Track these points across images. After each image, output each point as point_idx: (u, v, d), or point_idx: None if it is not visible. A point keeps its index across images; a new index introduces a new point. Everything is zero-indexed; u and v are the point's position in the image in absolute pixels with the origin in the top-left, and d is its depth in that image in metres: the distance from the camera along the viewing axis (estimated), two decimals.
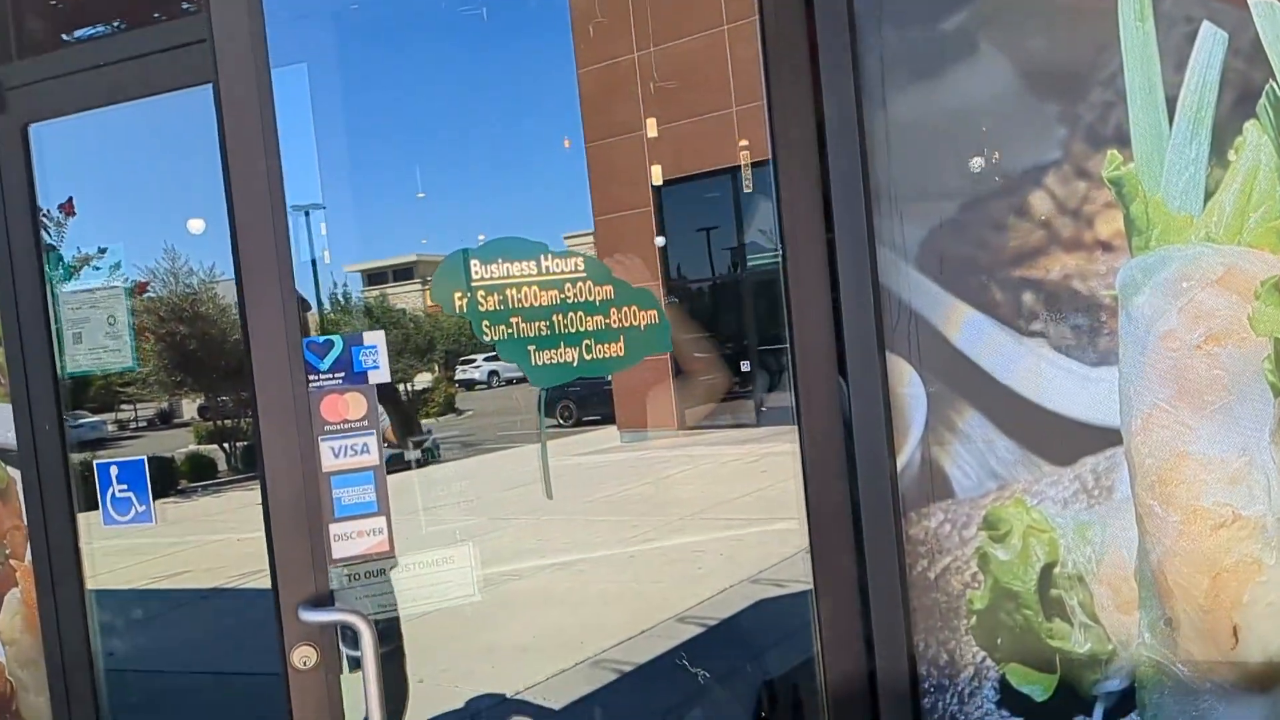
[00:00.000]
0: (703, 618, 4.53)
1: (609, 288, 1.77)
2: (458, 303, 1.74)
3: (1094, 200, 1.45)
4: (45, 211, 2.11)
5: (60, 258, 2.12)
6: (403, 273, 12.26)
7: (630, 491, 7.85)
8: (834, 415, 1.58)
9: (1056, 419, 1.48)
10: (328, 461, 1.67)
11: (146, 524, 2.01)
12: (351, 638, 1.57)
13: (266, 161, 1.67)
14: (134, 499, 2.01)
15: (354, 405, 1.68)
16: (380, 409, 2.59)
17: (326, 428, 1.67)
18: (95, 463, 2.04)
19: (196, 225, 1.85)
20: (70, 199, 2.17)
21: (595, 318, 1.76)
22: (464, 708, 3.62)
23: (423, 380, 10.62)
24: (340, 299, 8.92)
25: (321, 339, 1.70)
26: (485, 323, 1.74)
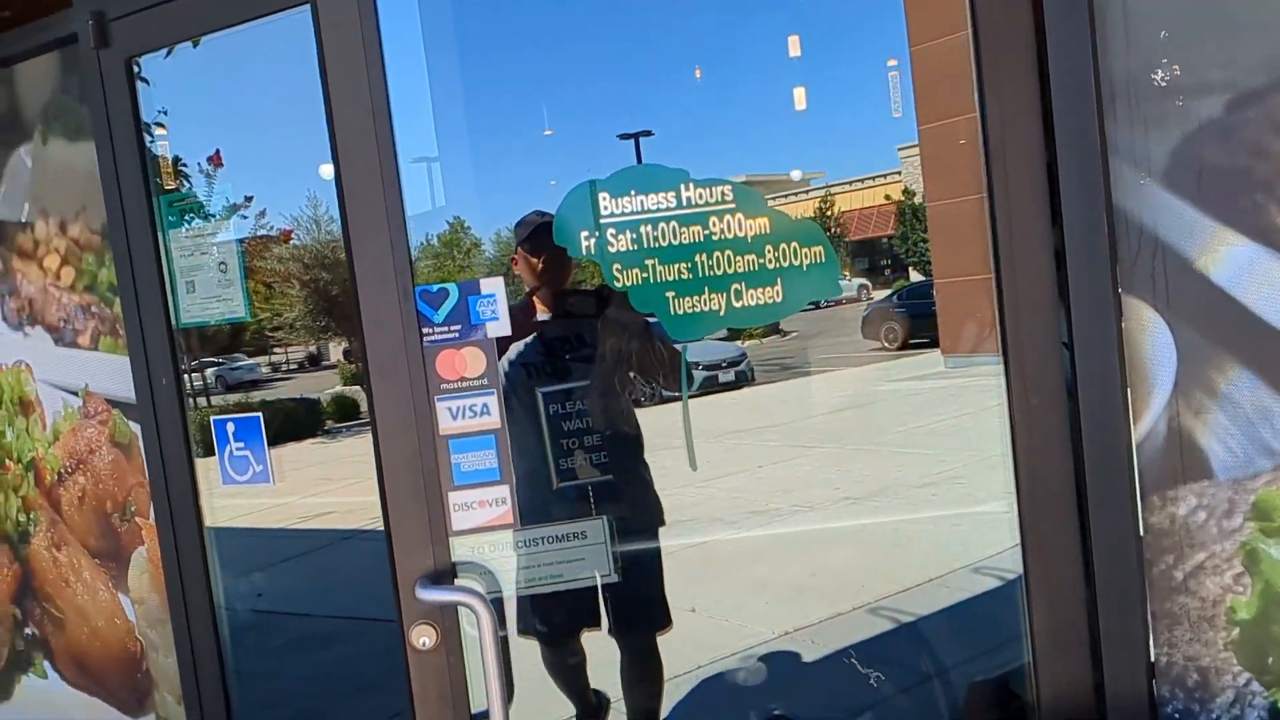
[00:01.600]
0: (1000, 570, 4.11)
1: (763, 220, 1.50)
2: (584, 243, 1.52)
3: None
4: (190, 164, 2.06)
5: (201, 206, 2.01)
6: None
7: (945, 423, 7.16)
8: (1055, 373, 1.32)
9: None
10: (445, 423, 1.51)
11: (264, 484, 1.91)
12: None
13: (371, 90, 1.54)
14: (251, 457, 1.92)
15: (472, 361, 1.52)
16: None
17: (443, 386, 1.50)
18: (212, 419, 1.95)
19: (328, 171, 1.72)
20: (218, 151, 2.10)
21: (746, 257, 1.49)
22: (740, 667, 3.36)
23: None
24: None
25: (435, 287, 1.53)
26: (616, 266, 1.51)
